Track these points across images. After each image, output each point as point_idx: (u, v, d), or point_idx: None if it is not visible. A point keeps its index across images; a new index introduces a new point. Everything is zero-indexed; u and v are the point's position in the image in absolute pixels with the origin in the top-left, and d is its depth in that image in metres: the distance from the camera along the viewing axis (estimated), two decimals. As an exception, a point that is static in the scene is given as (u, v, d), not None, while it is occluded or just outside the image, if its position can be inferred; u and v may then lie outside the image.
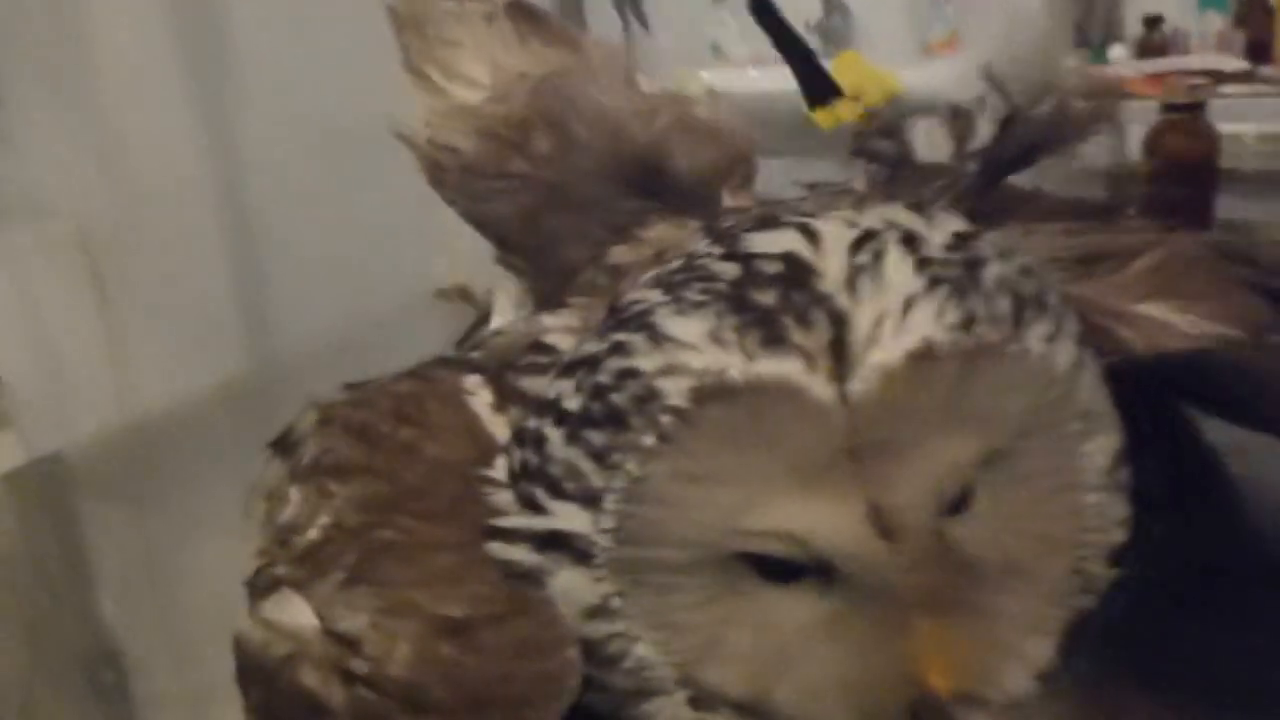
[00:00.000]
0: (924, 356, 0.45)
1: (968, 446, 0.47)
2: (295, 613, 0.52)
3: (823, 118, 1.52)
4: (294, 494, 0.56)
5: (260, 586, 0.54)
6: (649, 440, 0.46)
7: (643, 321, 0.48)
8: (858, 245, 0.47)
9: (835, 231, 0.48)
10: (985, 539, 0.49)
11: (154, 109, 1.76)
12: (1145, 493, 0.53)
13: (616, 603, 0.49)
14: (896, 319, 0.45)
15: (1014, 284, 0.48)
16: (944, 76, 1.56)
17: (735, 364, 0.45)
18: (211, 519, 0.59)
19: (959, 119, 0.60)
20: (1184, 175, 1.13)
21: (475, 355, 0.58)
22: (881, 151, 0.59)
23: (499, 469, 0.51)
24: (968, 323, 0.46)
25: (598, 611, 0.49)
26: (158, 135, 1.77)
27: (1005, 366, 0.47)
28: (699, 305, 0.47)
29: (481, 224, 0.61)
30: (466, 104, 0.64)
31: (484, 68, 0.67)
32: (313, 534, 0.53)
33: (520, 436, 0.51)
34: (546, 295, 0.56)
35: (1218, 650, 0.61)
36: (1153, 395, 0.56)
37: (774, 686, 0.50)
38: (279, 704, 0.52)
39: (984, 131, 0.60)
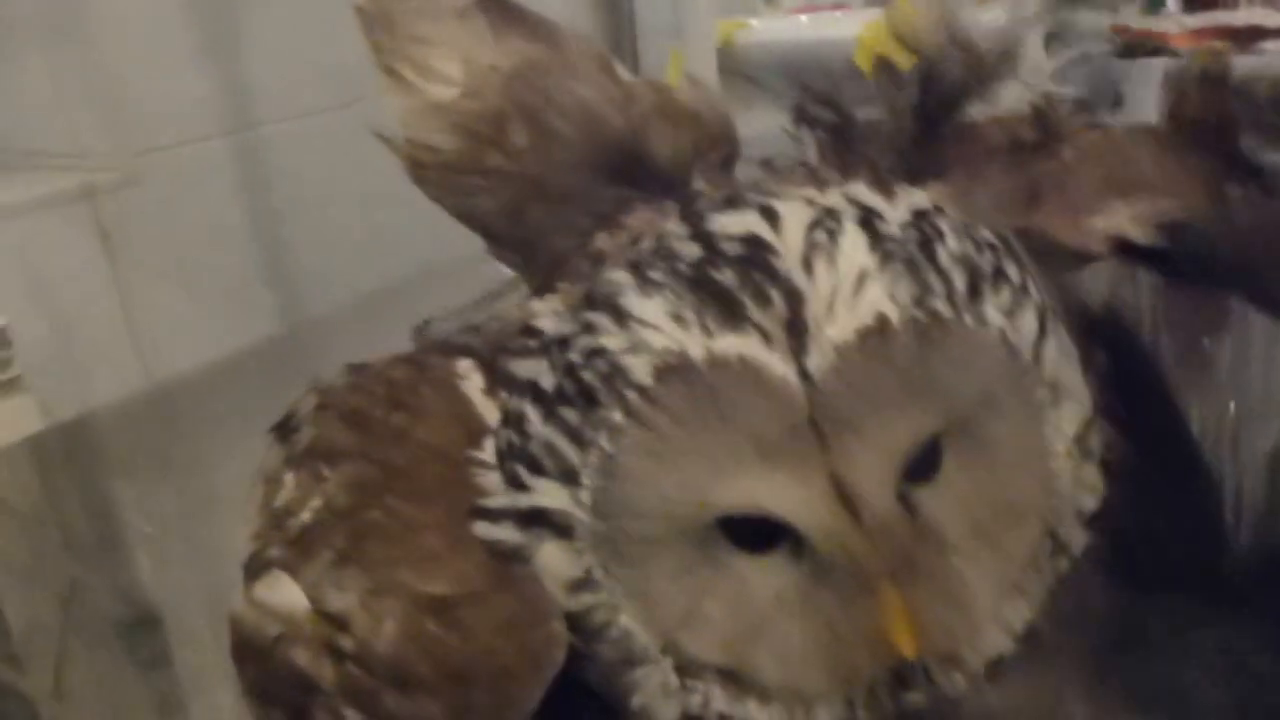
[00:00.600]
0: (877, 332, 0.47)
1: (927, 419, 0.49)
2: (286, 594, 0.53)
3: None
4: (289, 478, 0.57)
5: (254, 569, 0.56)
6: (617, 417, 0.48)
7: (610, 302, 0.50)
8: (815, 224, 0.49)
9: (794, 211, 0.50)
10: (952, 507, 0.51)
11: (159, 57, 1.73)
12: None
13: (599, 574, 0.51)
14: (849, 295, 0.47)
15: (970, 259, 0.50)
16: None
17: (695, 342, 0.47)
18: (241, 483, 0.58)
19: (888, 75, 0.62)
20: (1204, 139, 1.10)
21: (469, 340, 0.60)
22: (822, 119, 0.60)
23: (487, 451, 0.53)
24: (921, 298, 0.48)
25: (581, 584, 0.51)
26: (163, 78, 1.74)
27: (962, 340, 0.49)
28: (661, 285, 0.49)
29: (468, 220, 0.62)
30: (441, 101, 0.65)
31: (457, 64, 0.68)
32: (305, 516, 0.55)
33: (506, 417, 0.53)
34: (538, 285, 0.58)
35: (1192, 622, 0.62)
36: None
37: (751, 654, 0.52)
38: (271, 683, 0.54)
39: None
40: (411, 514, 0.53)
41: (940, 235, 0.50)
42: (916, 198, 0.51)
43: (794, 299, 0.47)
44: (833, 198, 0.51)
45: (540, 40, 0.69)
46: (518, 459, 0.51)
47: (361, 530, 0.53)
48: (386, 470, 0.55)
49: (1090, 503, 0.55)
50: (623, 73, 0.63)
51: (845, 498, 0.48)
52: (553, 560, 0.51)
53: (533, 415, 0.51)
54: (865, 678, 0.53)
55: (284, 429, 0.60)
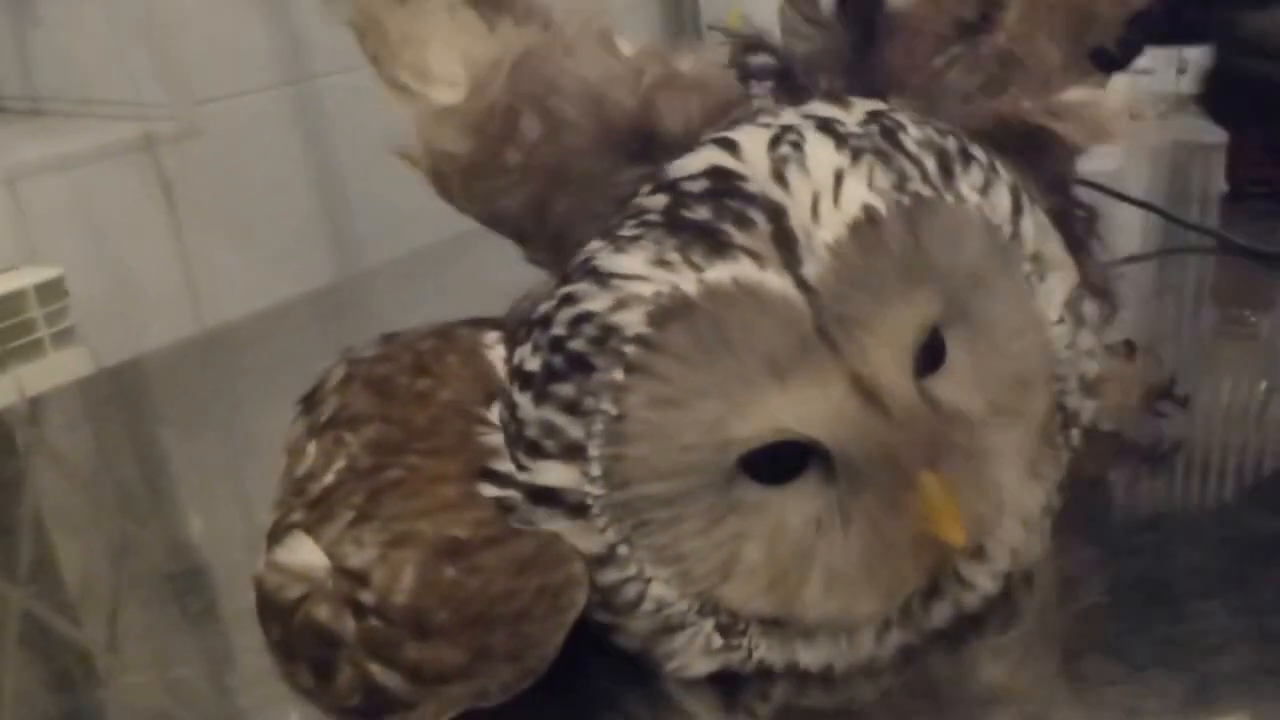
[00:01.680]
0: (867, 223, 0.47)
1: (929, 304, 0.49)
2: (306, 554, 0.54)
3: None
4: (311, 448, 0.58)
5: (276, 535, 0.56)
6: (618, 375, 0.48)
7: (585, 269, 0.49)
8: (776, 141, 0.49)
9: (752, 135, 0.50)
10: (965, 390, 0.51)
11: (218, 8, 1.73)
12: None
13: (624, 550, 0.51)
14: (830, 195, 0.47)
15: (936, 143, 0.50)
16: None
17: (686, 279, 0.47)
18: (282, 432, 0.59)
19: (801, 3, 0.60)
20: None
21: (499, 316, 0.59)
22: (764, 67, 0.59)
23: (494, 413, 0.53)
24: (900, 183, 0.48)
25: (605, 560, 0.51)
26: (221, 29, 1.74)
27: (946, 218, 0.49)
28: (636, 239, 0.48)
29: (497, 224, 0.61)
30: (448, 104, 0.62)
31: (455, 62, 0.65)
32: (327, 479, 0.55)
33: (503, 407, 0.52)
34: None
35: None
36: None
37: (796, 591, 0.52)
38: (296, 640, 0.54)
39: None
40: (429, 468, 0.53)
41: (901, 126, 0.50)
42: (868, 103, 0.52)
43: (775, 213, 0.47)
44: (787, 117, 0.50)
45: (535, 23, 0.67)
46: (517, 446, 0.51)
47: (380, 488, 0.53)
48: (408, 430, 0.55)
49: (1092, 369, 0.55)
50: (624, 45, 0.62)
51: (868, 396, 0.48)
52: (570, 539, 0.51)
53: (523, 401, 0.51)
54: (911, 586, 0.53)
55: (310, 401, 0.61)
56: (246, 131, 1.75)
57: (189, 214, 1.69)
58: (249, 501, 0.77)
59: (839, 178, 0.47)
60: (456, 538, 0.51)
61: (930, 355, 0.50)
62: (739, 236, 0.47)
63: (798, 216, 0.47)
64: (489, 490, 0.52)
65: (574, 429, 0.49)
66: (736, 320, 0.47)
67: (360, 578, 0.51)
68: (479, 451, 0.53)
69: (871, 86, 0.54)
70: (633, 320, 0.47)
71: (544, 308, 0.50)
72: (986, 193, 0.50)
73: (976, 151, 0.51)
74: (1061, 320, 0.54)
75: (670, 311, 0.47)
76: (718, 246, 0.47)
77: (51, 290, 1.40)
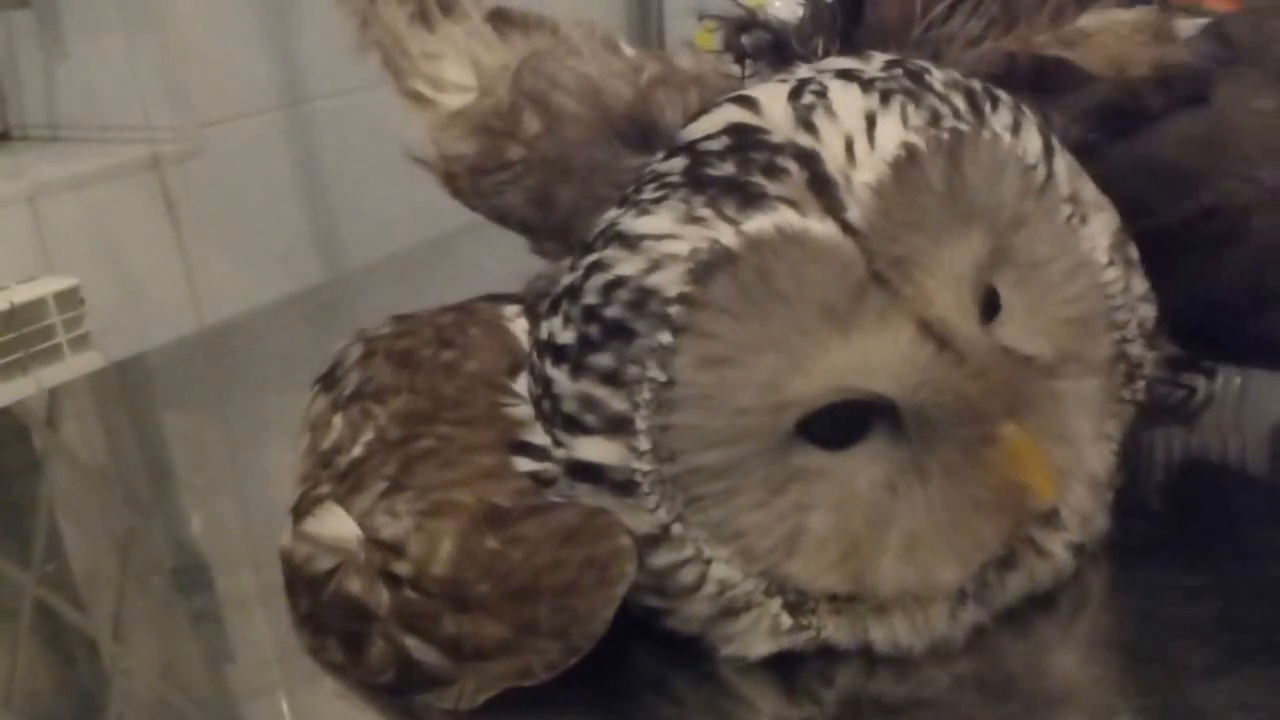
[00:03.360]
0: (908, 161, 0.43)
1: (981, 241, 0.45)
2: (337, 525, 0.50)
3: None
4: (337, 421, 0.54)
5: (303, 509, 0.52)
6: (664, 338, 0.43)
7: (609, 235, 0.45)
8: (797, 93, 0.45)
9: (770, 90, 0.46)
10: (1028, 335, 0.47)
11: (222, 38, 1.72)
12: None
13: (678, 529, 0.46)
14: (865, 137, 0.43)
15: (961, 83, 0.46)
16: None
17: (724, 232, 0.43)
18: (283, 423, 0.57)
19: None
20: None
21: (516, 292, 0.56)
22: (760, 44, 0.56)
23: (520, 384, 0.49)
24: (935, 120, 0.44)
25: (658, 540, 0.46)
26: (224, 58, 1.73)
27: (985, 155, 0.45)
28: (660, 200, 0.44)
29: (504, 220, 0.58)
30: (458, 108, 0.61)
31: (468, 71, 0.64)
32: (356, 451, 0.52)
33: (534, 383, 0.48)
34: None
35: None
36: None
37: (872, 561, 0.46)
38: (326, 613, 0.50)
39: None
40: (463, 438, 0.49)
41: (925, 69, 0.46)
42: (881, 55, 0.47)
43: (808, 160, 0.43)
44: (804, 71, 0.47)
45: (544, 32, 0.66)
46: (554, 423, 0.46)
47: (413, 457, 0.49)
48: (437, 400, 0.51)
49: (1148, 312, 0.50)
50: (626, 49, 0.60)
51: (939, 342, 0.43)
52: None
53: (558, 376, 0.46)
54: (991, 550, 0.47)
55: (329, 379, 0.57)
56: (244, 151, 1.74)
57: (192, 229, 1.68)
58: (247, 495, 0.75)
59: (871, 119, 0.43)
60: (497, 506, 0.47)
61: (986, 304, 0.46)
62: (772, 186, 0.43)
63: (833, 161, 0.43)
64: (524, 464, 0.47)
65: (617, 401, 0.44)
66: (784, 269, 0.42)
67: (395, 548, 0.47)
68: (510, 423, 0.49)
69: (869, 45, 0.50)
70: (672, 280, 0.43)
71: (569, 279, 0.46)
72: (1018, 133, 0.46)
73: (1000, 93, 0.47)
74: (1111, 263, 0.48)
75: (712, 266, 0.42)
76: (751, 198, 0.43)
77: (69, 299, 1.39)
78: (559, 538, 0.45)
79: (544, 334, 0.47)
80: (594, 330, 0.44)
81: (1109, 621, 0.51)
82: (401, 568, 0.47)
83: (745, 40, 0.56)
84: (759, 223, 0.42)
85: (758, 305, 0.42)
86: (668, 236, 0.43)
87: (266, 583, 0.55)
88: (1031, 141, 0.47)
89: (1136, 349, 0.50)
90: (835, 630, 0.48)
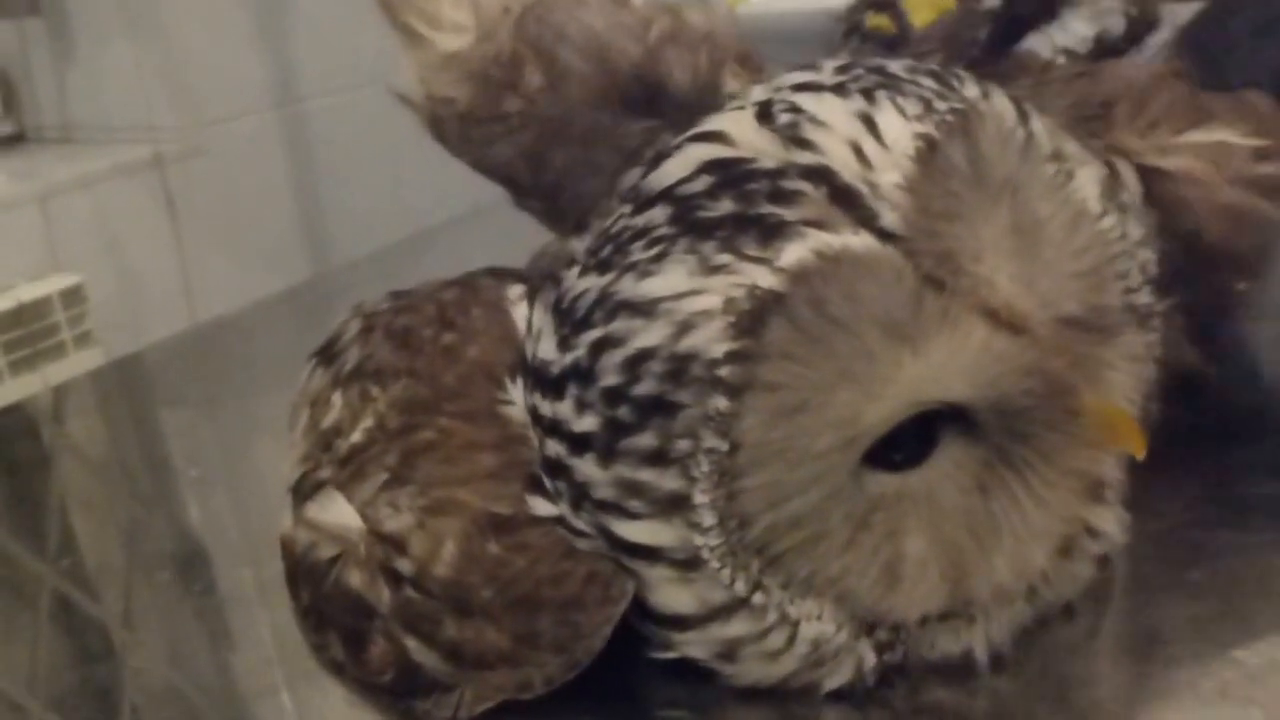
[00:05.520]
0: (929, 151, 0.38)
1: (1004, 213, 0.40)
2: (340, 513, 0.47)
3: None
4: (336, 399, 0.50)
5: (304, 490, 0.49)
6: (719, 403, 0.38)
7: (610, 307, 0.40)
8: (764, 115, 0.40)
9: (731, 120, 0.41)
10: (1056, 298, 0.41)
11: (220, 41, 1.73)
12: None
13: (759, 598, 0.40)
14: (871, 138, 0.38)
15: (920, 68, 0.42)
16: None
17: (758, 273, 0.37)
18: (276, 418, 0.55)
19: None
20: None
21: (521, 269, 0.51)
22: (876, 30, 0.52)
23: (518, 389, 0.45)
24: (927, 106, 0.39)
25: (733, 609, 0.41)
26: (223, 61, 1.73)
27: (978, 127, 0.40)
28: (659, 258, 0.39)
29: (489, 171, 0.53)
30: (454, 50, 0.55)
31: (467, 11, 0.58)
32: (356, 437, 0.48)
33: (543, 462, 0.43)
34: (570, 228, 0.49)
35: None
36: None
37: (975, 568, 0.42)
38: (328, 605, 0.47)
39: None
40: (467, 434, 0.45)
41: (879, 64, 0.41)
42: (830, 61, 0.43)
43: (821, 176, 0.38)
44: (754, 95, 0.42)
45: None
46: (586, 509, 0.41)
47: (415, 450, 0.46)
48: (438, 389, 0.47)
49: (1149, 256, 0.46)
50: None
51: (1012, 328, 0.39)
52: (673, 590, 0.41)
53: (583, 465, 0.40)
54: (1080, 524, 0.43)
55: (327, 353, 0.53)
56: (241, 149, 1.73)
57: (191, 227, 1.67)
58: (242, 488, 0.74)
59: (868, 120, 0.39)
60: (499, 513, 0.43)
61: None
62: (790, 212, 0.38)
63: (847, 170, 0.38)
64: (542, 508, 0.42)
65: (667, 480, 0.39)
66: (836, 294, 0.37)
67: (397, 543, 0.44)
68: (509, 426, 0.44)
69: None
70: (711, 339, 0.37)
71: (568, 359, 0.41)
72: (989, 98, 0.42)
73: (956, 69, 0.42)
74: (1105, 212, 0.44)
75: (759, 313, 0.37)
76: (772, 230, 0.37)
77: (73, 296, 1.38)
78: (562, 549, 0.42)
79: (548, 416, 0.42)
80: (624, 412, 0.39)
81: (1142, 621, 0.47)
82: (403, 565, 0.44)
83: (862, 19, 0.51)
84: (795, 252, 0.37)
85: (818, 341, 0.38)
86: (688, 294, 0.38)
87: (266, 577, 0.52)
88: (1004, 106, 0.42)
89: (1143, 298, 0.45)
90: (914, 650, 0.43)
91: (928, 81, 0.41)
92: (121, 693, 0.52)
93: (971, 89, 0.41)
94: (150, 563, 0.64)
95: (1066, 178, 0.43)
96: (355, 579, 0.45)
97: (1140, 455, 0.41)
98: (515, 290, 0.49)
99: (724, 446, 0.38)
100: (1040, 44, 0.54)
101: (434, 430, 0.46)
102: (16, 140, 1.82)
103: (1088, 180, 0.44)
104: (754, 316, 0.37)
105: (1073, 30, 0.54)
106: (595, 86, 0.50)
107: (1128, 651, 0.46)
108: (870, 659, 0.42)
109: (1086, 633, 0.45)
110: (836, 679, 0.42)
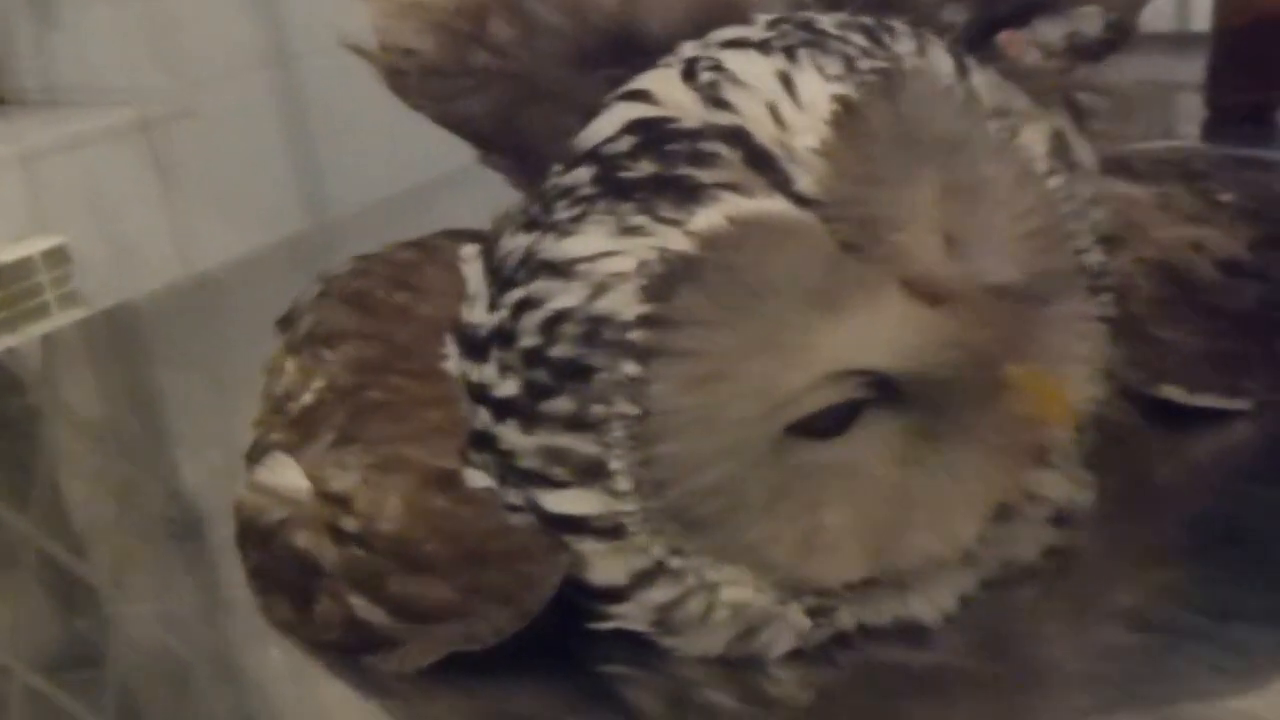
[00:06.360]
0: (845, 112, 0.37)
1: (932, 179, 0.38)
2: (288, 475, 0.46)
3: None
4: (289, 364, 0.49)
5: (256, 455, 0.48)
6: (630, 368, 0.37)
7: (533, 266, 0.39)
8: (690, 73, 0.39)
9: (659, 77, 0.40)
10: (992, 264, 0.40)
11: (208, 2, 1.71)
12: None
13: (676, 562, 0.40)
14: (788, 98, 0.37)
15: (854, 21, 0.40)
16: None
17: (670, 236, 0.36)
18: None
19: None
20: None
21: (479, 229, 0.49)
22: None
23: (450, 348, 0.44)
24: (849, 65, 0.38)
25: (654, 575, 0.40)
26: (211, 20, 1.70)
27: (909, 86, 0.38)
28: (579, 217, 0.38)
29: (454, 126, 0.51)
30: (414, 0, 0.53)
31: None
32: (306, 398, 0.47)
33: (473, 437, 0.42)
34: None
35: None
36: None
37: (895, 540, 0.41)
38: (274, 566, 0.46)
39: None
40: (414, 390, 0.44)
41: (810, 17, 0.40)
42: (764, 16, 0.42)
43: (736, 139, 0.37)
44: (685, 51, 0.41)
45: None
46: (512, 481, 0.40)
47: (363, 408, 0.45)
48: (389, 348, 0.46)
49: (1100, 214, 0.44)
50: None
51: (931, 298, 0.37)
52: (607, 562, 0.40)
53: (508, 432, 0.40)
54: (1013, 494, 0.42)
55: (286, 320, 0.52)
56: (231, 110, 1.71)
57: (178, 185, 1.66)
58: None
59: (786, 80, 0.37)
60: (444, 467, 0.42)
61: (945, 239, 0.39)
62: (705, 175, 0.36)
63: (762, 133, 0.37)
64: (477, 479, 0.42)
65: (587, 446, 0.38)
66: (750, 261, 0.36)
67: (343, 502, 0.43)
68: (454, 382, 0.43)
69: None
70: (624, 302, 0.37)
71: (494, 320, 0.40)
72: (924, 56, 0.40)
73: (892, 21, 0.41)
74: (1052, 170, 0.42)
75: (669, 277, 0.36)
76: (687, 193, 0.36)
77: (56, 257, 1.38)
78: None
79: (474, 380, 0.41)
80: (542, 375, 0.38)
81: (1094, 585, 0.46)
82: (349, 523, 0.43)
83: None
84: (707, 217, 0.36)
85: (731, 308, 0.37)
86: (604, 255, 0.37)
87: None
88: (942, 63, 0.41)
89: (1094, 257, 0.44)
90: (853, 617, 0.42)
91: (857, 38, 0.39)
92: (110, 653, 0.50)
93: (905, 44, 0.40)
94: (141, 522, 0.63)
95: (1011, 135, 0.42)
96: (302, 539, 0.45)
97: (1068, 428, 0.40)
98: (469, 250, 0.47)
99: (636, 412, 0.37)
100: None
101: (383, 389, 0.45)
102: (-1, 103, 1.80)
103: (1034, 138, 0.43)
104: (665, 281, 0.36)
105: (1043, 34, 0.52)
106: (567, 40, 0.47)
107: (1082, 611, 0.44)
108: (803, 624, 0.41)
109: (1043, 592, 0.44)
110: (779, 646, 0.41)
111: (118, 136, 1.63)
